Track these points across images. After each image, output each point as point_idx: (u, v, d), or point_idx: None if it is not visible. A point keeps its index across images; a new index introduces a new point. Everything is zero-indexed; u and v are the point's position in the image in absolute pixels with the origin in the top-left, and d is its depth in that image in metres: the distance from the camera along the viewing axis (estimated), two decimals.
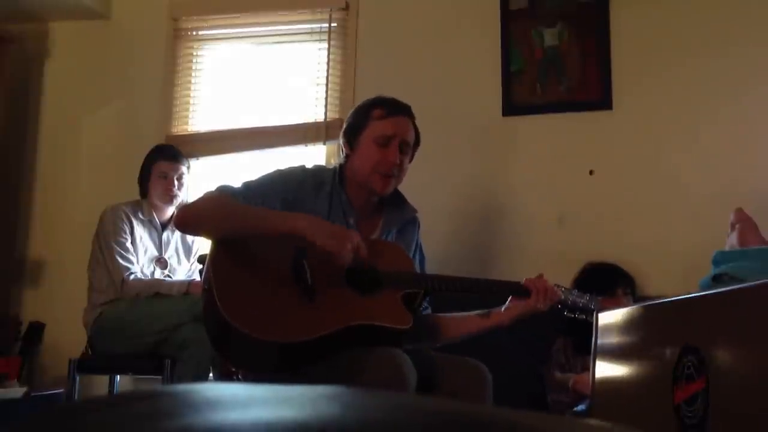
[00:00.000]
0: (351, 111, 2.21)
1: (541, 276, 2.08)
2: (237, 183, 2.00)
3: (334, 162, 2.41)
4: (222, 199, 1.94)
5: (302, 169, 2.10)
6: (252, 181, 2.01)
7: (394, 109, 2.11)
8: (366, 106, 2.15)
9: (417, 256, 2.21)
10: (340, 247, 1.81)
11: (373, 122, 2.08)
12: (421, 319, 2.05)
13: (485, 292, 2.13)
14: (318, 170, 2.12)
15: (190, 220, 2.00)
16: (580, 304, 2.07)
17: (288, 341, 1.78)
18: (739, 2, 3.24)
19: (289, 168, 2.09)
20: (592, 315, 2.01)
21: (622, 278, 2.92)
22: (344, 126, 2.17)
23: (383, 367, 1.70)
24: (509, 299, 2.08)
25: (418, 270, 2.15)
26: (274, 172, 2.06)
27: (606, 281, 2.84)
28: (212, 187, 1.99)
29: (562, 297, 2.06)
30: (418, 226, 2.24)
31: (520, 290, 2.06)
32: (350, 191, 2.10)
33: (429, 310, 2.18)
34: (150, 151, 3.31)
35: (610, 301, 2.67)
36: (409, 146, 2.12)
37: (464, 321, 2.13)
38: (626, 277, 2.94)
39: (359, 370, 1.71)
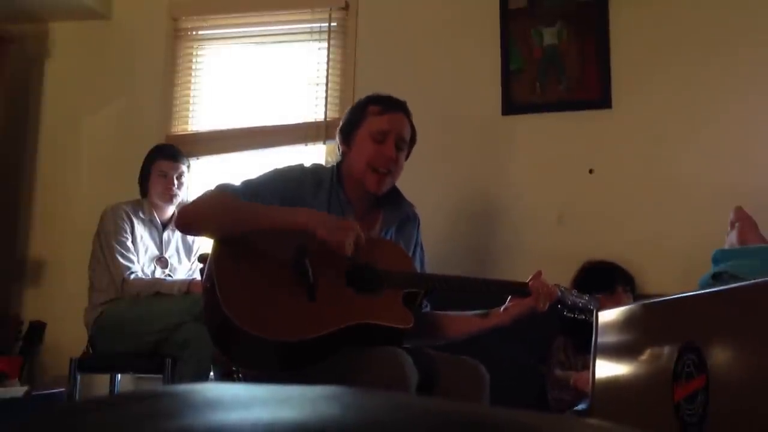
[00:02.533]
0: (347, 109, 2.21)
1: (539, 273, 2.09)
2: (236, 182, 2.00)
3: (333, 161, 2.41)
4: (222, 197, 1.95)
5: (301, 167, 2.10)
6: (251, 180, 2.01)
7: (390, 105, 2.11)
8: (362, 103, 2.15)
9: (417, 253, 2.22)
10: (342, 238, 1.81)
11: (369, 118, 2.08)
12: (421, 318, 2.05)
13: (485, 291, 2.13)
14: (316, 169, 2.13)
15: (190, 220, 2.00)
16: (580, 304, 2.07)
17: (290, 339, 1.78)
18: (739, 1, 3.24)
19: (288, 167, 2.09)
20: (591, 315, 2.02)
21: (622, 276, 2.92)
22: (340, 124, 2.18)
23: (385, 366, 1.70)
24: (509, 299, 2.08)
25: (418, 267, 2.16)
26: (273, 171, 2.06)
27: (606, 279, 2.84)
28: (211, 187, 2.00)
29: (560, 296, 2.06)
30: (418, 223, 2.25)
31: (520, 290, 2.06)
32: (348, 189, 2.10)
33: (428, 308, 2.19)
34: (150, 150, 3.31)
35: (610, 300, 2.68)
36: (405, 142, 2.12)
37: (465, 321, 2.13)
38: (626, 276, 2.94)
39: (361, 368, 1.72)
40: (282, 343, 1.78)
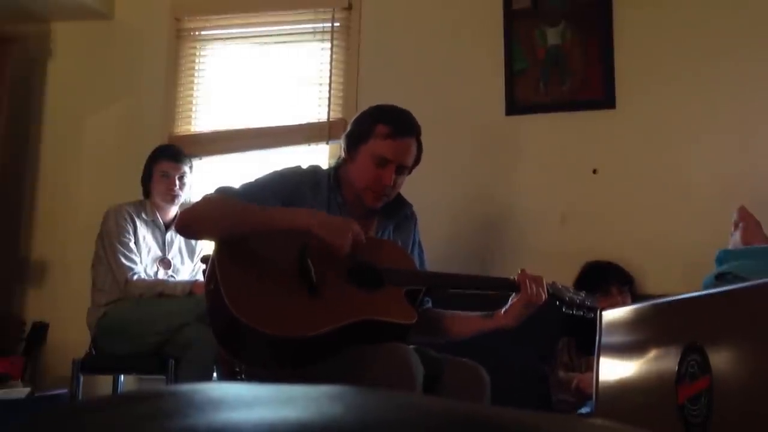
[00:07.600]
0: (357, 115, 2.18)
1: (522, 270, 2.08)
2: (235, 185, 2.01)
3: (333, 161, 2.42)
4: (221, 199, 1.96)
5: (299, 170, 2.11)
6: (250, 184, 2.02)
7: (399, 130, 2.06)
8: (373, 117, 2.10)
9: (416, 251, 2.22)
10: (340, 239, 1.83)
11: (375, 139, 2.05)
12: (424, 316, 2.05)
13: (481, 287, 2.14)
14: (314, 171, 2.13)
15: (190, 222, 2.01)
16: (578, 301, 2.07)
17: (297, 336, 1.79)
18: (742, 1, 3.23)
19: (286, 169, 2.10)
20: (590, 311, 2.02)
21: (618, 276, 2.89)
22: (348, 129, 2.16)
23: (391, 361, 1.71)
24: (510, 300, 2.06)
25: (417, 265, 2.16)
26: (272, 173, 2.07)
27: (600, 279, 2.81)
28: (211, 190, 2.01)
29: (555, 292, 2.05)
30: (416, 222, 2.25)
31: (511, 285, 2.04)
32: (346, 192, 2.11)
33: (429, 304, 2.19)
34: (152, 151, 3.31)
35: (604, 300, 2.65)
36: (406, 168, 2.12)
37: (468, 320, 2.12)
38: (622, 275, 2.92)
39: (367, 365, 1.73)
40: (289, 339, 1.79)
